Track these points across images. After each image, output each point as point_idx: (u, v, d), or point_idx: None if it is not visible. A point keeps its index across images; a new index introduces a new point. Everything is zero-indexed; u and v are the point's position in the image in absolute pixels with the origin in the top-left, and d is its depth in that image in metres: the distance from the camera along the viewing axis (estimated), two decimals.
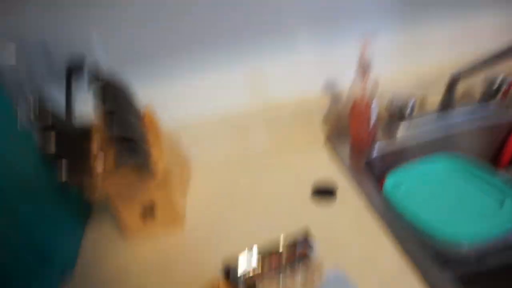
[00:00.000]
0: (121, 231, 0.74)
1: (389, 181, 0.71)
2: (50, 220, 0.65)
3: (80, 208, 0.78)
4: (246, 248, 0.62)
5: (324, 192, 0.74)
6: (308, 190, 0.76)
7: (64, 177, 0.51)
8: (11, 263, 0.58)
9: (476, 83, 0.92)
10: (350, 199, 0.72)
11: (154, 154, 0.63)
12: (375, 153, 0.85)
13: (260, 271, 0.56)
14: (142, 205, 0.68)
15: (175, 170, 0.73)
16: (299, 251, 0.58)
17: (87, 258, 0.70)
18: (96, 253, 0.71)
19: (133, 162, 0.54)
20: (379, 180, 0.77)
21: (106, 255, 0.70)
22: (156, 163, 0.63)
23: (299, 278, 0.53)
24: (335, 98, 0.91)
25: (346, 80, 0.82)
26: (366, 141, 0.85)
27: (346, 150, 0.87)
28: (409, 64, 0.94)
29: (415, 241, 0.60)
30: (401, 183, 0.72)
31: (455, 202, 0.66)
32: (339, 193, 0.74)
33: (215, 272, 0.60)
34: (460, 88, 0.87)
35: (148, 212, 0.70)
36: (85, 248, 0.73)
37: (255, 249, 0.61)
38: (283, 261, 0.57)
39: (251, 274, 0.56)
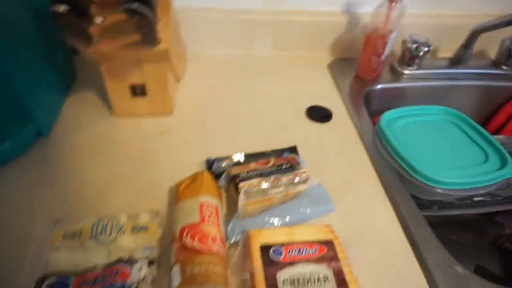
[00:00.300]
0: (105, 105, 0.71)
1: (385, 117, 0.71)
2: (32, 73, 0.60)
3: (66, 69, 0.73)
4: (232, 149, 0.62)
5: (318, 113, 0.73)
6: (303, 109, 0.75)
7: (62, 8, 0.45)
8: None
9: (495, 44, 0.90)
10: (343, 125, 0.72)
11: (160, 26, 0.58)
12: (376, 87, 0.83)
13: (244, 169, 0.55)
14: (134, 81, 0.65)
15: (173, 53, 0.68)
16: (286, 159, 0.58)
17: (65, 124, 0.68)
18: (75, 121, 0.68)
19: (138, 18, 0.49)
20: (374, 114, 0.76)
21: (85, 125, 0.67)
22: (160, 35, 0.58)
23: (283, 182, 0.53)
24: (352, 22, 0.86)
25: (368, 6, 0.77)
26: (372, 72, 0.83)
27: (349, 77, 0.85)
28: (432, 9, 0.90)
29: (396, 176, 0.61)
30: (396, 121, 0.71)
31: (442, 149, 0.67)
32: (333, 118, 0.73)
33: (198, 165, 0.60)
34: (478, 45, 0.85)
35: (139, 90, 0.66)
36: (65, 114, 0.70)
37: (240, 153, 0.61)
38: (269, 164, 0.57)
39: (234, 170, 0.56)
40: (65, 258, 0.44)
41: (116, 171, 0.59)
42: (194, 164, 0.60)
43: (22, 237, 0.49)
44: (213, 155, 0.60)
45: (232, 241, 0.49)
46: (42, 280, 0.41)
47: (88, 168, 0.59)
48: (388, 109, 0.75)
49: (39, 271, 0.43)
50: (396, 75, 0.87)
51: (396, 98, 0.86)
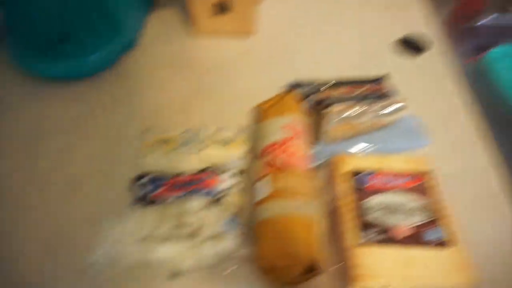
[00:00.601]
0: (187, 23, 0.70)
1: (493, 54, 0.63)
2: None
3: None
4: (316, 75, 0.58)
5: (412, 45, 0.66)
6: (394, 39, 0.67)
7: None
8: (85, 23, 0.57)
9: None
10: (439, 60, 0.64)
11: None
12: (479, 22, 0.73)
13: (331, 94, 0.52)
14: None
15: None
16: (378, 87, 0.54)
17: (149, 39, 0.67)
18: (158, 38, 0.68)
19: None
20: (474, 51, 0.68)
21: (168, 42, 0.67)
22: None
23: (373, 110, 0.50)
24: None
25: None
26: (476, 4, 0.72)
27: (449, 7, 0.75)
28: None
29: (496, 117, 0.55)
30: (506, 59, 0.63)
31: None
32: (428, 51, 0.66)
33: (281, 87, 0.58)
34: None
35: (223, 7, 0.63)
36: (149, 30, 0.69)
37: (326, 79, 0.57)
38: (359, 91, 0.53)
39: (321, 95, 0.53)
40: (156, 162, 0.46)
41: (198, 87, 0.59)
42: (276, 86, 0.57)
43: (116, 141, 0.52)
44: (296, 79, 0.58)
45: (315, 165, 0.48)
46: (137, 178, 0.44)
47: (171, 82, 0.60)
48: (491, 46, 0.66)
49: (133, 171, 0.45)
50: (505, 9, 0.75)
51: (502, 35, 0.75)
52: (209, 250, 0.40)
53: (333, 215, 0.43)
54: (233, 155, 0.47)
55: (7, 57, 0.60)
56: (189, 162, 0.45)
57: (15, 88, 0.59)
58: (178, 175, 0.44)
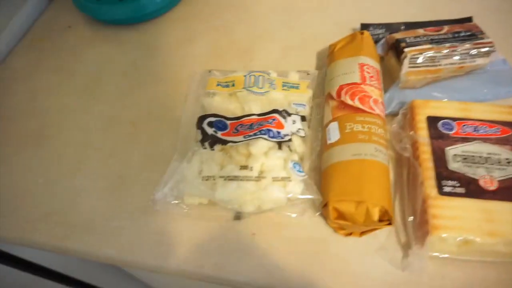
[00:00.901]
0: None
1: None
2: None
3: None
4: (389, 17, 0.53)
5: None
6: None
7: None
8: None
9: None
10: None
11: None
12: None
13: (409, 35, 0.47)
14: None
15: None
16: (465, 26, 0.48)
17: None
18: None
19: None
20: None
21: None
22: None
23: (459, 52, 0.44)
24: None
25: None
26: None
27: None
28: None
29: None
30: None
31: None
32: None
33: (350, 30, 0.53)
34: None
35: None
36: None
37: (401, 21, 0.52)
38: (442, 31, 0.47)
39: (398, 35, 0.48)
40: (220, 104, 0.45)
41: (262, 30, 0.57)
42: (345, 28, 0.53)
43: (179, 82, 0.51)
44: (366, 20, 0.53)
45: (389, 111, 0.44)
46: (202, 119, 0.43)
47: (234, 24, 0.58)
48: None
49: (197, 113, 0.44)
50: None
51: None
52: (274, 194, 0.39)
53: (410, 164, 0.39)
54: (298, 100, 0.44)
55: (70, 1, 0.60)
56: (254, 105, 0.43)
57: (77, 32, 0.60)
58: (242, 117, 0.42)
